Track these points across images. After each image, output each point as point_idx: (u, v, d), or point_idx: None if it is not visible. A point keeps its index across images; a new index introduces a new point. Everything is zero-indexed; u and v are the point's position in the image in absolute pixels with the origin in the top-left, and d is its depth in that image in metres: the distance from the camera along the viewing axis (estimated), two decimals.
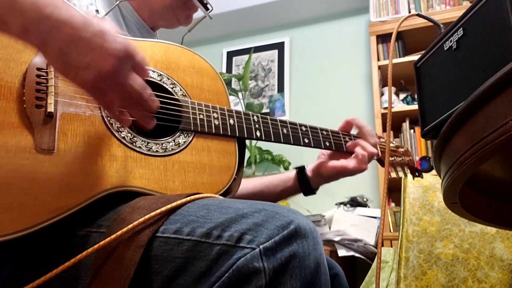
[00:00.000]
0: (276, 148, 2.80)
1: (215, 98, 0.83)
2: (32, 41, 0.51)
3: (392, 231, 2.27)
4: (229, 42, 3.48)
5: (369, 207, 2.40)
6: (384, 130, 2.53)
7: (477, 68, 0.52)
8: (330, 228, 2.31)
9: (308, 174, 1.00)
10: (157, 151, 0.69)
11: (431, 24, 0.75)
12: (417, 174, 1.10)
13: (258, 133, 0.84)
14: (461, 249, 1.26)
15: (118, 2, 0.88)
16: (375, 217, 2.28)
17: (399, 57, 2.65)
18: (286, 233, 0.50)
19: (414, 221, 1.34)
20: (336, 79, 3.04)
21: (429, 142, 2.50)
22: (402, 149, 1.10)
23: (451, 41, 0.58)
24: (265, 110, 3.14)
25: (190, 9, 0.98)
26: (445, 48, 0.59)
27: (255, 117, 0.85)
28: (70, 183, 0.59)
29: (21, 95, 0.60)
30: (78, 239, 0.58)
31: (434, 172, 0.86)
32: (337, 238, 2.14)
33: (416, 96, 0.88)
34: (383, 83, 2.73)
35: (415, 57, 2.53)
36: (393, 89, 2.68)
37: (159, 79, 0.77)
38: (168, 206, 0.56)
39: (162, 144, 0.71)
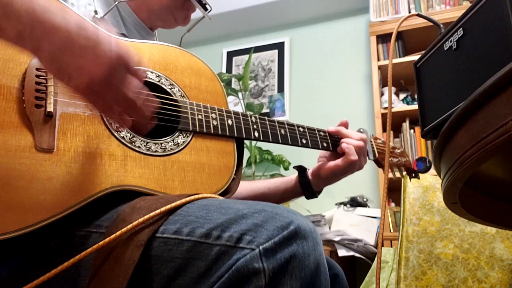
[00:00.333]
0: (276, 148, 2.81)
1: (213, 99, 0.83)
2: (27, 46, 0.51)
3: (392, 231, 2.27)
4: (229, 42, 3.48)
5: (369, 207, 2.40)
6: (384, 130, 2.53)
7: (477, 68, 0.52)
8: (330, 228, 2.31)
9: (309, 177, 1.00)
10: (156, 150, 0.70)
11: (431, 24, 0.75)
12: (413, 175, 1.11)
13: (256, 134, 0.84)
14: (461, 249, 1.26)
15: (116, 2, 0.88)
16: (375, 217, 2.28)
17: (399, 57, 2.65)
18: (285, 233, 0.50)
19: (414, 221, 1.34)
20: (336, 79, 3.04)
21: (429, 142, 2.50)
22: (398, 150, 1.11)
23: (451, 41, 0.58)
24: (265, 110, 3.14)
25: (188, 10, 0.98)
26: (445, 48, 0.59)
27: (253, 118, 0.85)
28: (69, 182, 0.59)
29: (21, 95, 0.60)
30: (78, 239, 0.58)
31: (434, 172, 0.86)
32: (337, 238, 2.14)
33: (416, 96, 0.88)
34: (383, 83, 2.73)
35: (415, 57, 2.53)
36: (393, 89, 2.68)
37: (157, 80, 0.77)
38: (168, 207, 0.56)
39: (161, 144, 0.71)
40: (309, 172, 1.01)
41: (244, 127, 0.83)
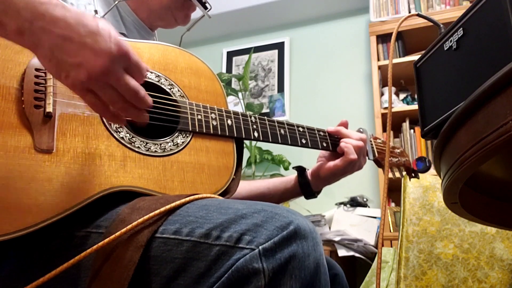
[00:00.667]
0: (276, 148, 2.80)
1: (213, 99, 0.83)
2: (26, 42, 0.50)
3: (392, 231, 2.27)
4: (229, 42, 3.48)
5: (369, 207, 2.40)
6: (384, 130, 2.53)
7: (477, 68, 0.52)
8: (330, 228, 2.31)
9: (309, 178, 1.00)
10: (156, 151, 0.69)
11: (431, 24, 0.74)
12: (413, 174, 1.11)
13: (255, 134, 0.84)
14: (461, 249, 1.26)
15: (116, 2, 0.88)
16: (375, 217, 2.28)
17: (399, 57, 2.65)
18: (285, 233, 0.50)
19: (414, 221, 1.34)
20: (336, 79, 3.04)
21: (429, 142, 2.50)
22: (398, 150, 1.11)
23: (451, 41, 0.57)
24: (265, 110, 3.14)
25: (188, 9, 0.98)
26: (445, 48, 0.59)
27: (252, 118, 0.85)
28: (69, 183, 0.59)
29: (20, 96, 0.60)
30: (77, 239, 0.58)
31: (434, 172, 0.86)
32: (337, 238, 2.14)
33: (416, 96, 0.87)
34: (383, 83, 2.73)
35: (415, 57, 2.53)
36: (393, 89, 2.68)
37: (156, 80, 0.77)
38: (167, 207, 0.56)
39: (160, 144, 0.71)
40: (309, 172, 1.01)
41: (243, 127, 0.83)
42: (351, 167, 0.96)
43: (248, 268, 0.48)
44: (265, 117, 0.88)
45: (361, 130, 1.05)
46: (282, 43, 3.29)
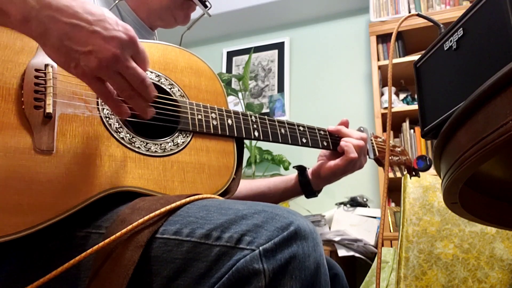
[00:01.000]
0: (276, 148, 2.80)
1: (213, 99, 0.83)
2: (32, 31, 0.50)
3: (392, 231, 2.27)
4: (229, 42, 3.48)
5: (369, 207, 2.40)
6: (384, 130, 2.53)
7: (477, 68, 0.52)
8: (330, 228, 2.31)
9: (309, 176, 1.00)
10: (156, 151, 0.69)
11: (431, 24, 0.74)
12: (414, 173, 1.11)
13: (256, 133, 0.84)
14: (461, 249, 1.26)
15: (116, 1, 0.88)
16: (375, 217, 2.28)
17: (399, 57, 2.65)
18: (286, 234, 0.50)
19: (414, 221, 1.34)
20: (336, 79, 3.04)
21: (429, 142, 2.50)
22: (399, 149, 1.11)
23: (451, 41, 0.57)
24: (265, 110, 3.14)
25: (188, 9, 0.98)
26: (445, 48, 0.59)
27: (253, 117, 0.85)
28: (69, 184, 0.59)
29: (20, 96, 0.60)
30: (78, 240, 0.58)
31: (434, 172, 0.86)
32: (337, 238, 2.14)
33: (416, 96, 0.87)
34: (383, 83, 2.73)
35: (415, 57, 2.53)
36: (393, 89, 2.68)
37: (157, 80, 0.77)
38: (168, 207, 0.56)
39: (161, 144, 0.71)
40: (309, 172, 1.01)
41: (244, 127, 0.83)
42: (352, 166, 0.96)
43: (248, 269, 0.48)
44: (266, 116, 0.88)
45: (362, 129, 1.05)
46: (282, 43, 3.29)
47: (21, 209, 0.54)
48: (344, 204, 2.41)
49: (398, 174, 1.10)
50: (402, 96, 2.69)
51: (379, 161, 1.07)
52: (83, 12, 0.51)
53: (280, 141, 0.89)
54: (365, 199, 2.42)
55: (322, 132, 0.97)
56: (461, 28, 0.55)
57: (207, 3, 0.98)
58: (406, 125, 2.57)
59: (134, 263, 0.52)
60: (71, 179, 0.59)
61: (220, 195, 0.73)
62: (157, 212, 0.55)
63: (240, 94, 2.95)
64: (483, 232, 1.26)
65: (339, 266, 0.89)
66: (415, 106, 2.54)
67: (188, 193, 0.67)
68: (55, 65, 0.64)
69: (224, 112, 0.81)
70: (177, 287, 0.52)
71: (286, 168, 2.77)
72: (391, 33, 2.55)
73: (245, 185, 1.02)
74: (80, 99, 0.64)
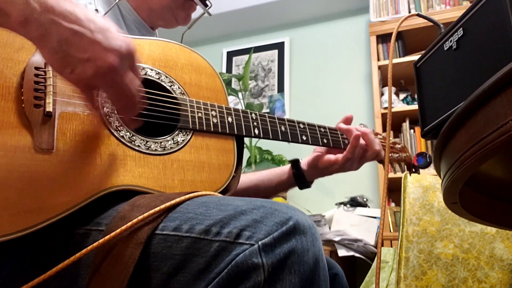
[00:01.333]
0: (276, 148, 2.80)
1: (214, 96, 0.83)
2: (31, 33, 0.50)
3: (392, 231, 2.27)
4: (229, 42, 3.48)
5: (369, 207, 2.40)
6: (384, 130, 2.53)
7: (477, 68, 0.52)
8: (330, 228, 2.31)
9: (303, 168, 1.02)
10: (156, 149, 0.69)
11: (431, 24, 0.74)
12: (413, 170, 1.11)
13: (256, 131, 0.84)
14: (461, 249, 1.26)
15: (117, 1, 0.88)
16: (375, 217, 2.28)
17: (399, 57, 2.65)
18: (284, 229, 0.50)
19: (414, 221, 1.34)
20: (336, 79, 3.04)
21: (429, 142, 2.50)
22: (399, 146, 1.11)
23: (451, 41, 0.57)
24: (265, 110, 3.14)
25: (188, 9, 0.98)
26: (445, 48, 0.59)
27: (253, 115, 0.85)
28: (69, 183, 0.59)
29: (20, 95, 0.60)
30: (78, 237, 0.58)
31: (434, 172, 0.86)
32: (337, 238, 2.14)
33: (416, 96, 0.87)
34: (383, 83, 2.73)
35: (415, 57, 2.53)
36: (393, 89, 2.68)
37: (157, 77, 0.77)
38: (167, 204, 0.56)
39: (161, 142, 0.71)
40: (303, 162, 1.02)
41: (244, 125, 0.83)
42: (351, 162, 0.96)
43: (247, 263, 0.48)
44: (266, 114, 0.88)
45: (363, 125, 1.05)
46: (282, 43, 3.29)
47: (21, 208, 0.54)
48: (344, 204, 2.41)
49: (398, 172, 1.10)
50: (402, 96, 2.69)
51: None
52: (86, 19, 0.51)
53: (280, 138, 0.89)
54: (365, 199, 2.42)
55: (322, 130, 0.97)
56: (461, 28, 0.55)
57: (207, 2, 0.98)
58: (406, 125, 2.57)
59: (134, 260, 0.52)
60: (71, 177, 0.59)
61: (220, 193, 0.73)
62: (157, 208, 0.56)
63: (240, 94, 2.96)
64: (483, 232, 1.26)
65: (339, 266, 0.89)
66: (415, 106, 2.54)
67: (188, 191, 0.67)
68: None
69: (224, 110, 0.81)
70: (177, 283, 0.52)
71: None
72: (391, 33, 2.55)
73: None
74: (80, 97, 0.64)
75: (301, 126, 0.93)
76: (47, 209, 0.55)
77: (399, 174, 1.13)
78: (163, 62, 0.79)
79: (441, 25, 0.69)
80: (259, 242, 0.49)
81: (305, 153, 1.08)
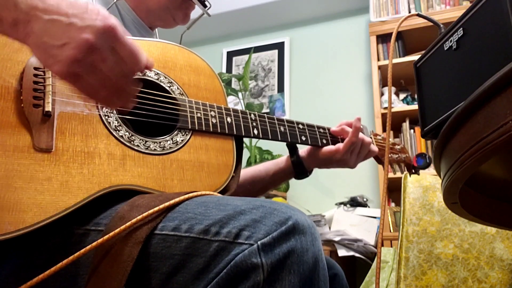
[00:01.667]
0: (276, 148, 2.80)
1: (212, 97, 0.83)
2: (20, 33, 0.48)
3: (392, 231, 2.27)
4: (229, 42, 3.48)
5: (369, 207, 2.40)
6: (384, 130, 2.53)
7: (477, 68, 0.52)
8: (330, 228, 2.31)
9: (302, 155, 1.01)
10: (155, 149, 0.69)
11: (431, 24, 0.74)
12: (413, 171, 1.11)
13: (255, 131, 0.84)
14: (461, 249, 1.26)
15: (115, 0, 0.88)
16: (375, 217, 2.28)
17: (399, 57, 2.65)
18: (284, 229, 0.50)
19: (414, 221, 1.34)
20: (336, 79, 3.04)
21: (429, 142, 2.50)
22: (398, 146, 1.11)
23: (451, 41, 0.57)
24: (265, 110, 3.14)
25: (187, 8, 0.97)
26: (445, 48, 0.59)
27: (252, 115, 0.85)
28: (68, 183, 0.59)
29: (19, 95, 0.60)
30: (77, 237, 0.58)
31: (434, 172, 0.86)
32: (337, 238, 2.13)
33: (416, 96, 0.87)
34: (383, 83, 2.73)
35: (415, 57, 2.53)
36: (393, 89, 2.68)
37: (156, 78, 0.77)
38: (166, 204, 0.56)
39: (160, 142, 0.71)
40: (302, 151, 1.02)
41: (243, 125, 0.83)
42: (348, 159, 0.97)
43: (247, 263, 0.48)
44: (265, 114, 0.89)
45: (362, 126, 1.05)
46: (282, 43, 3.29)
47: (21, 207, 0.54)
48: (344, 204, 2.41)
49: (398, 172, 1.10)
50: (402, 96, 2.69)
51: (379, 159, 1.07)
52: (66, 7, 0.49)
53: (280, 139, 0.89)
54: (365, 199, 2.41)
55: (321, 130, 0.97)
56: (461, 28, 0.55)
57: (206, 2, 0.98)
58: (406, 125, 2.57)
59: (133, 259, 0.52)
60: (70, 177, 0.59)
61: (219, 193, 0.73)
62: (156, 208, 0.56)
63: (240, 94, 2.95)
64: (483, 232, 1.26)
65: (339, 266, 0.89)
66: (415, 106, 2.54)
67: (187, 191, 0.67)
68: None
69: (224, 110, 0.81)
70: (176, 283, 0.52)
71: None
72: (391, 33, 2.55)
73: None
74: (79, 97, 0.64)
75: (300, 126, 0.94)
76: (46, 209, 0.56)
77: (399, 174, 1.13)
78: (162, 63, 0.79)
79: (441, 25, 0.69)
80: (258, 242, 0.49)
81: None
